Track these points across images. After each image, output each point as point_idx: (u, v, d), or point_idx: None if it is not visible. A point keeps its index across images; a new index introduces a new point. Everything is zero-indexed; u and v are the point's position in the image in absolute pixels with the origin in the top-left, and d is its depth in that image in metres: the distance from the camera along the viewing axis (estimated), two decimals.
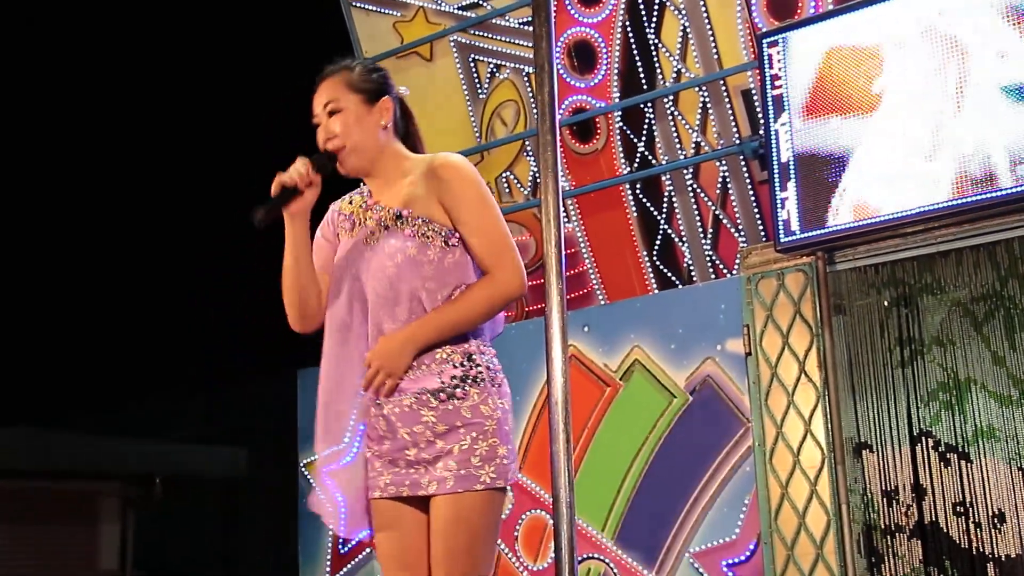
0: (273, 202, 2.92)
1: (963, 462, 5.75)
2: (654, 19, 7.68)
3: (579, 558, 6.49)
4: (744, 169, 7.35)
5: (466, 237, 2.94)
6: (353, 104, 3.01)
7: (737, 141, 7.31)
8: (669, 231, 7.70)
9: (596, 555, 6.69)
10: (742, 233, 7.38)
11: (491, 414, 2.86)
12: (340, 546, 7.66)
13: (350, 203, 3.09)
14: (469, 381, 2.86)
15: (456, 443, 2.82)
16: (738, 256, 6.74)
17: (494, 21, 8.33)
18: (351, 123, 3.00)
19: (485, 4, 8.38)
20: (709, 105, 7.49)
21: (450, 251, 2.92)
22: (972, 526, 5.68)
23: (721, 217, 7.49)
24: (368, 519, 2.98)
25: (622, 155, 7.87)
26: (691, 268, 7.62)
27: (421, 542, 2.88)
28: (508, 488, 2.90)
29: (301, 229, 2.98)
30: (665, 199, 7.70)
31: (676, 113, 7.63)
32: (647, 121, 7.75)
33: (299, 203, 2.95)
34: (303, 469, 7.86)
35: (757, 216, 7.32)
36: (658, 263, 7.75)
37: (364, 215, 3.01)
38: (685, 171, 7.61)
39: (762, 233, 7.24)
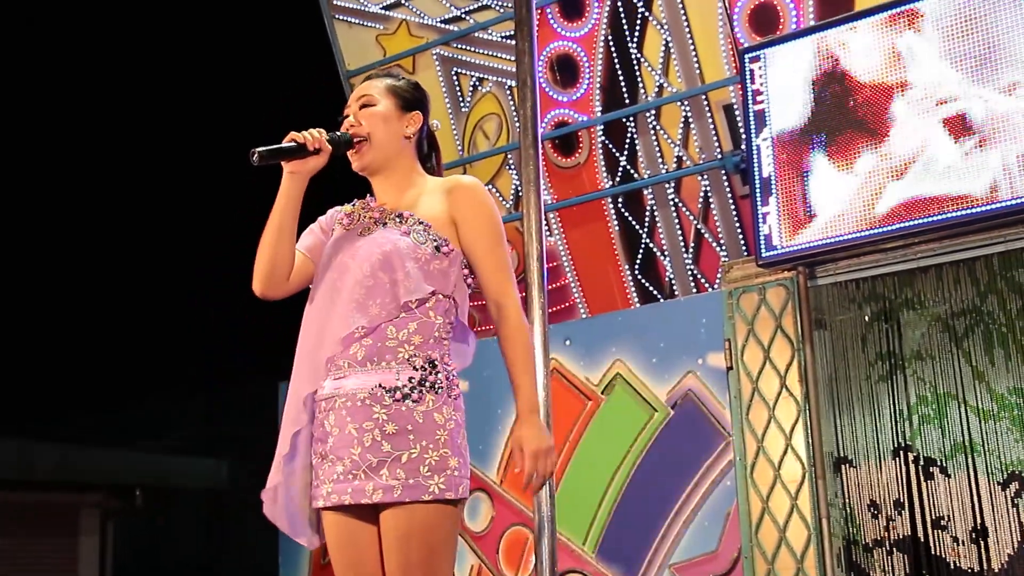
0: (276, 148, 2.95)
1: (944, 476, 5.77)
2: (636, 34, 7.70)
3: (560, 572, 6.49)
4: (726, 184, 7.37)
5: (474, 259, 2.98)
6: (386, 105, 3.08)
7: (719, 156, 7.33)
8: (651, 245, 7.71)
9: (577, 569, 6.69)
10: (723, 247, 7.40)
11: (444, 424, 2.83)
12: (322, 558, 7.63)
13: (352, 205, 3.12)
14: (427, 386, 2.84)
15: (405, 450, 2.78)
16: (720, 270, 6.76)
17: (477, 35, 8.35)
18: (378, 119, 3.06)
19: (468, 18, 8.39)
20: (691, 120, 7.51)
21: (438, 258, 2.93)
22: (953, 540, 5.69)
23: (703, 231, 7.51)
24: (310, 528, 2.98)
25: (604, 169, 7.88)
26: (673, 282, 7.63)
27: (374, 555, 2.86)
28: (461, 502, 2.86)
29: (294, 191, 2.99)
30: (647, 213, 7.71)
31: (658, 127, 7.65)
32: (629, 135, 7.77)
33: (300, 164, 2.97)
34: None
35: (738, 231, 7.34)
36: (640, 277, 7.76)
37: (364, 214, 3.05)
38: (667, 185, 7.62)
39: (743, 248, 7.26)
